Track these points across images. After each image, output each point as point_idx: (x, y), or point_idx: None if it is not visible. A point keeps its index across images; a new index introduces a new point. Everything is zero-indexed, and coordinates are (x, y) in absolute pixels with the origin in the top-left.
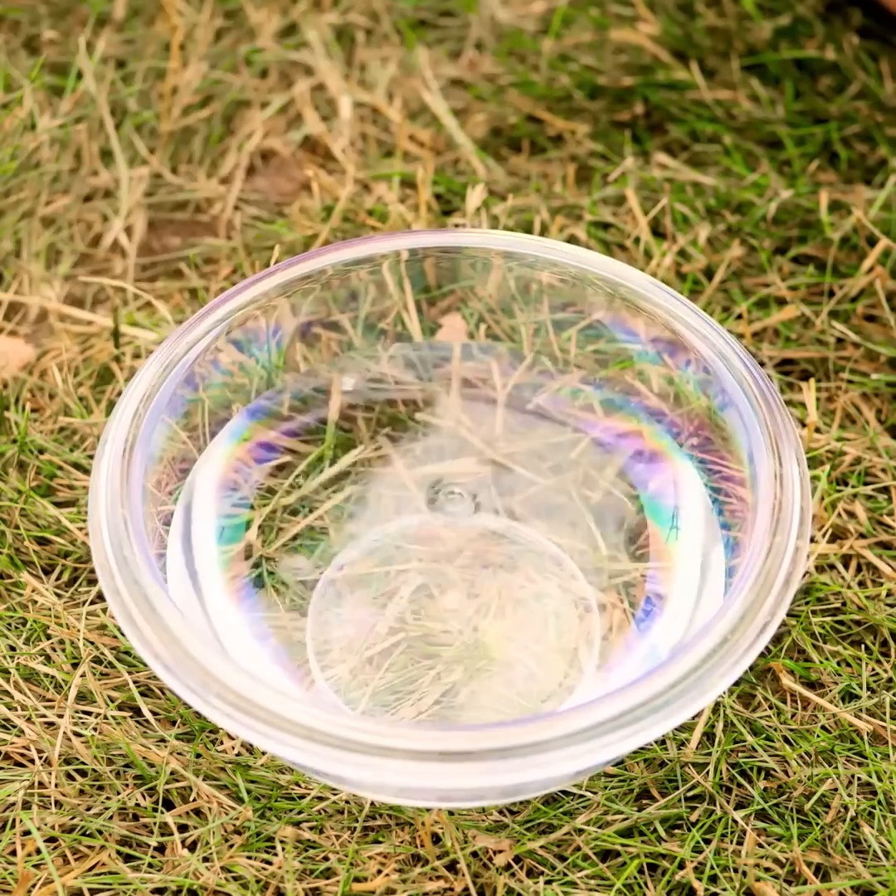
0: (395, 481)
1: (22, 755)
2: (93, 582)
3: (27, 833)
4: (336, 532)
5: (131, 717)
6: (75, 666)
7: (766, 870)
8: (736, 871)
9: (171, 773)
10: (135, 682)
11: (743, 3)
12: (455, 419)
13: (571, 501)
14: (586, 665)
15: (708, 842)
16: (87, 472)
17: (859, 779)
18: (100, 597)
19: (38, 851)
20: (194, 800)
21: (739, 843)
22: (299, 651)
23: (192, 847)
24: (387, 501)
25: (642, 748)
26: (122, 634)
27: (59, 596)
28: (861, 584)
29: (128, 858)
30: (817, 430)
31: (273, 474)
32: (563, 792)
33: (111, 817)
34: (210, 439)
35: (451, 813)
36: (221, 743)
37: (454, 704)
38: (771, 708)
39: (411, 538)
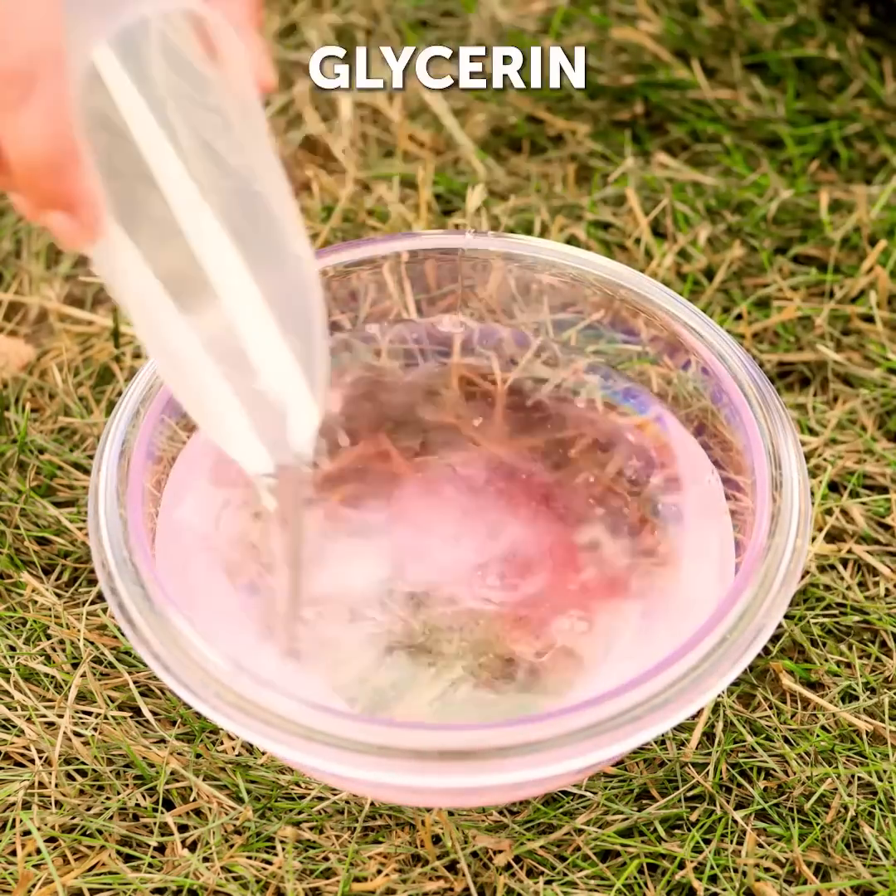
0: (395, 479)
1: (22, 755)
2: (93, 582)
3: (27, 833)
4: (336, 529)
5: (131, 717)
6: (75, 666)
7: (766, 870)
8: (736, 871)
9: (171, 773)
10: (135, 682)
11: (743, 2)
12: (455, 414)
13: (574, 497)
14: (588, 662)
15: (708, 842)
16: (87, 472)
17: (859, 779)
18: (100, 597)
19: (38, 851)
20: (194, 800)
21: (739, 843)
22: (299, 648)
23: (192, 847)
24: (386, 497)
25: (642, 748)
26: (122, 634)
27: (59, 596)
28: (860, 584)
29: (128, 858)
30: (815, 433)
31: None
32: (563, 792)
33: (111, 817)
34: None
35: (451, 813)
36: (221, 743)
37: (454, 702)
38: (771, 708)
39: (412, 534)
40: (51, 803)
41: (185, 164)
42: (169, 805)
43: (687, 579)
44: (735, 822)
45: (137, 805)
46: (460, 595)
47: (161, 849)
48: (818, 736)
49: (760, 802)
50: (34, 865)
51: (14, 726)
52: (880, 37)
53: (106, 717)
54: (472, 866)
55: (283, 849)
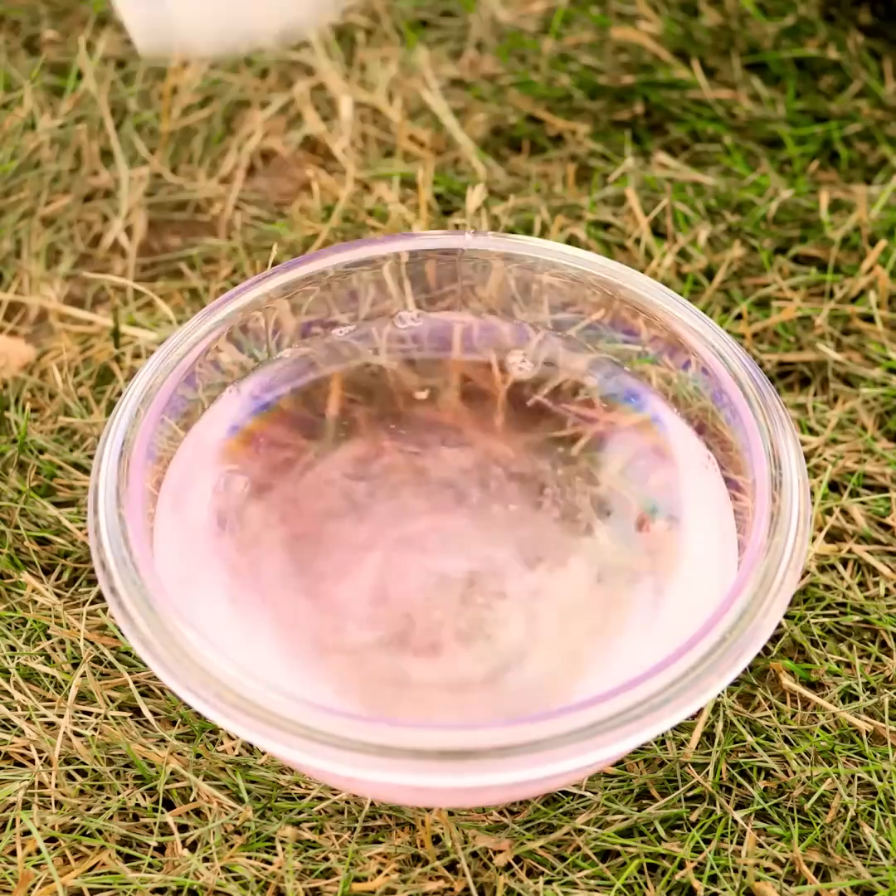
0: (394, 476)
1: (22, 755)
2: (93, 582)
3: (27, 833)
4: (336, 527)
5: (131, 717)
6: (75, 666)
7: (766, 870)
8: (736, 871)
9: (171, 773)
10: (135, 682)
11: (744, 2)
12: (454, 413)
13: (574, 496)
14: (588, 661)
15: (708, 842)
16: (87, 472)
17: (859, 779)
18: (100, 597)
19: (38, 851)
20: (194, 800)
21: (739, 843)
22: (300, 646)
23: (192, 847)
24: (386, 496)
25: (642, 748)
26: (122, 634)
27: (59, 596)
28: (860, 584)
29: (128, 858)
30: (815, 433)
31: (272, 470)
32: (563, 792)
33: (111, 817)
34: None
35: (451, 813)
36: (221, 743)
37: (455, 699)
38: (771, 708)
39: (412, 532)
40: (51, 803)
41: None
42: (169, 805)
43: (687, 579)
44: (735, 822)
45: (137, 805)
46: (459, 593)
47: (161, 849)
48: (818, 736)
49: (760, 802)
50: (34, 865)
51: (14, 726)
52: (880, 36)
53: (106, 717)
54: (472, 866)
55: (283, 849)
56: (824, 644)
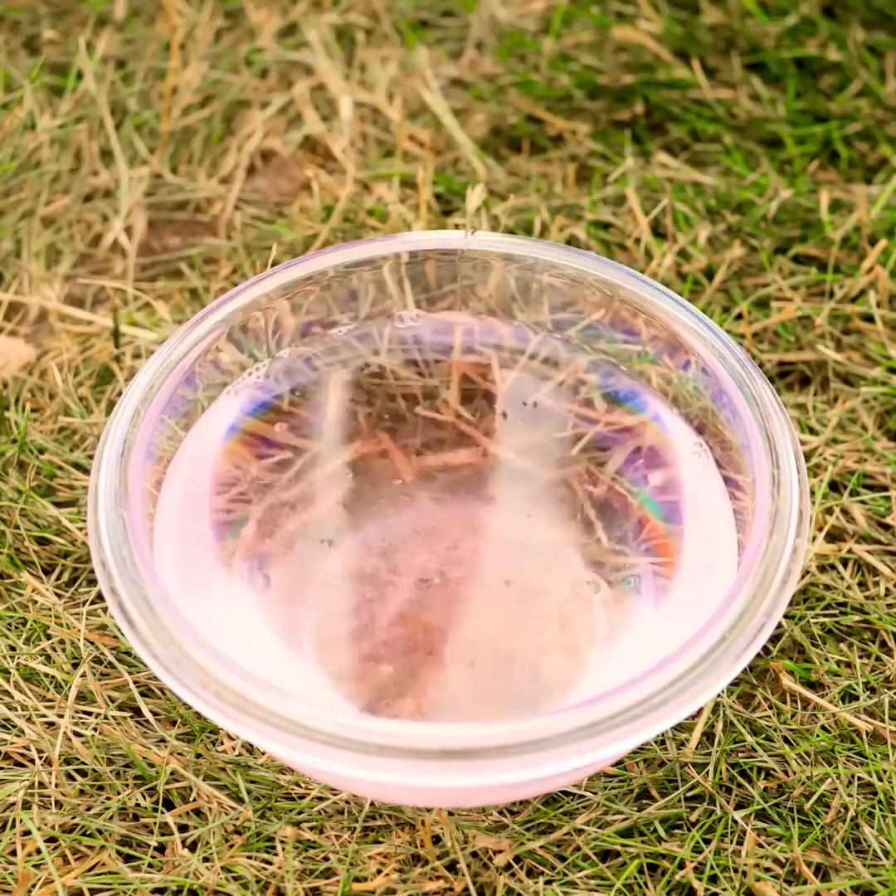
0: (394, 475)
1: (22, 755)
2: (93, 582)
3: (27, 833)
4: (336, 527)
5: (131, 717)
6: (75, 666)
7: (766, 870)
8: (736, 871)
9: (171, 773)
10: (135, 682)
11: (745, 1)
12: (455, 413)
13: (574, 496)
14: (588, 660)
15: (708, 842)
16: (87, 472)
17: (859, 779)
18: (100, 597)
19: (38, 851)
20: (194, 800)
21: (739, 843)
22: (299, 646)
23: (192, 847)
24: (386, 496)
25: (642, 748)
26: (122, 634)
27: (59, 596)
28: (860, 584)
29: (128, 858)
30: (815, 433)
31: (272, 469)
32: (563, 792)
33: (111, 817)
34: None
35: (451, 813)
36: (221, 743)
37: (455, 699)
38: (771, 708)
39: (412, 532)
40: (51, 803)
41: None
42: (169, 805)
43: (687, 578)
44: (735, 822)
45: (137, 805)
46: (460, 592)
47: (161, 849)
48: (818, 736)
49: (760, 802)
50: (34, 865)
51: (14, 726)
52: (882, 29)
53: (106, 717)
54: (472, 866)
55: (283, 849)
56: (824, 644)
